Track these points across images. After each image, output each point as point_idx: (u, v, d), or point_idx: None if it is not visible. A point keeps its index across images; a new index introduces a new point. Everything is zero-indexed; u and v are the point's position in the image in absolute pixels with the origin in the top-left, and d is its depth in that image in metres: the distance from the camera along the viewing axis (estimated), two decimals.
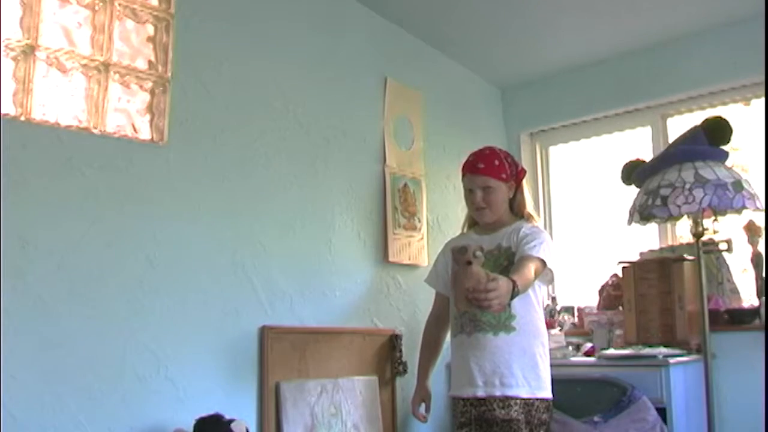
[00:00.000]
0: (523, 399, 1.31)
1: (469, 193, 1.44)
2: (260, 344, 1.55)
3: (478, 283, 1.10)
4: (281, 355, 1.58)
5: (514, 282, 1.16)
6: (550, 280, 1.41)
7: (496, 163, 1.41)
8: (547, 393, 1.36)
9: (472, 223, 1.51)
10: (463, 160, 1.49)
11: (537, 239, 1.33)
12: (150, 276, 1.38)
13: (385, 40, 2.07)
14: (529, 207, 1.47)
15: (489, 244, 1.41)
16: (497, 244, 1.40)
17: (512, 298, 1.16)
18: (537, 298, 1.39)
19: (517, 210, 1.46)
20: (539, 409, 1.33)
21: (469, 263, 1.12)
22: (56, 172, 1.26)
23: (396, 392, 1.85)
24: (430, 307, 1.62)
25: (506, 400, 1.30)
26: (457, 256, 1.15)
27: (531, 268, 1.27)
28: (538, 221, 1.46)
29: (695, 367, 1.80)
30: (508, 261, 1.36)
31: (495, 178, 1.40)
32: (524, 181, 1.48)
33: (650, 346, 1.83)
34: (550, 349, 1.91)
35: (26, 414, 1.18)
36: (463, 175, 1.45)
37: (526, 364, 1.33)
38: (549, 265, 1.32)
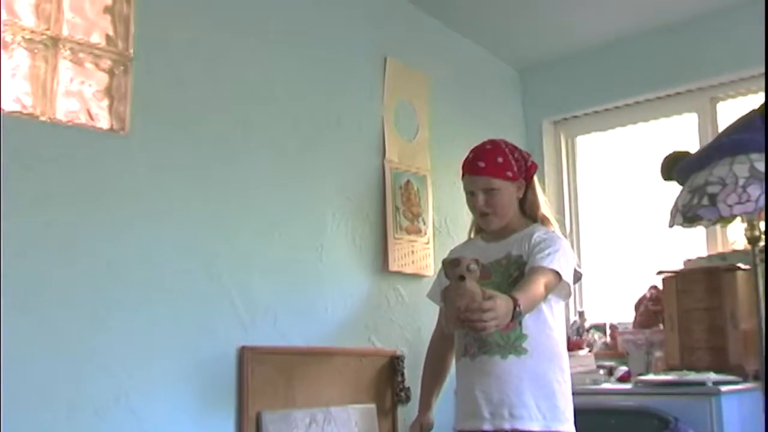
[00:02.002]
0: None
1: (470, 197, 1.41)
2: (239, 367, 1.54)
3: (472, 301, 1.07)
4: (264, 380, 1.56)
5: (515, 300, 1.13)
6: (567, 296, 1.39)
7: (500, 159, 1.38)
8: (567, 427, 1.32)
9: (480, 228, 1.49)
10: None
11: (551, 247, 1.30)
12: (111, 287, 1.36)
13: (385, 14, 2.05)
14: (544, 208, 1.44)
15: (497, 252, 1.39)
16: (506, 253, 1.38)
17: (513, 319, 1.14)
18: (553, 314, 1.36)
19: (529, 212, 1.43)
20: None
21: (462, 278, 1.10)
22: None
23: (397, 423, 1.85)
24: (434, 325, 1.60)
25: None
26: (449, 269, 1.13)
27: (540, 283, 1.24)
28: (555, 225, 1.44)
29: (752, 397, 1.76)
30: (518, 271, 1.33)
31: (499, 177, 1.37)
32: (535, 178, 1.45)
33: (697, 371, 1.80)
34: (578, 374, 1.89)
35: None
36: (462, 176, 1.43)
37: (541, 393, 1.30)
38: (564, 278, 1.30)
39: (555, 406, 1.31)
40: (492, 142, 1.43)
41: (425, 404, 1.51)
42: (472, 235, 1.52)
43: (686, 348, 1.90)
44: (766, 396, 1.69)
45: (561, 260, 1.29)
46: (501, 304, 1.10)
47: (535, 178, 1.45)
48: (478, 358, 1.33)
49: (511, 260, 1.36)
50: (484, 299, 1.08)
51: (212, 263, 1.52)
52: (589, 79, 2.36)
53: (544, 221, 1.42)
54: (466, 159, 1.43)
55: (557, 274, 1.28)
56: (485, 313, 1.07)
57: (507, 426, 1.28)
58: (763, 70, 2.05)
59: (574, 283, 1.38)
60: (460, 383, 1.40)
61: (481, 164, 1.38)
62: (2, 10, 1.19)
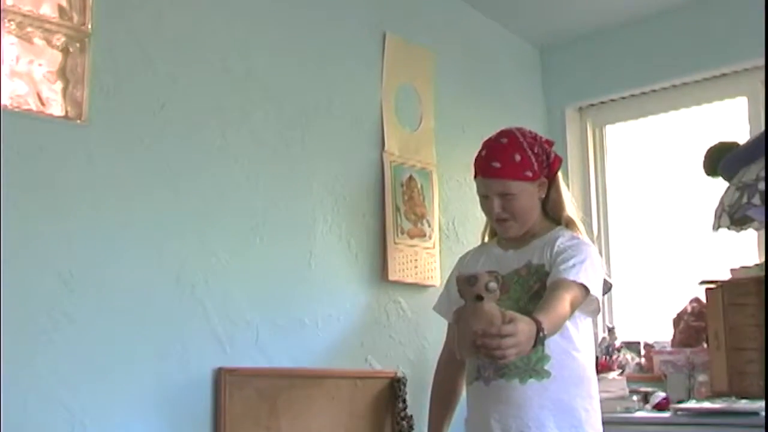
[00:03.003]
0: None
1: (484, 200, 1.41)
2: (215, 393, 1.54)
3: (490, 325, 1.07)
4: (244, 406, 1.56)
5: (539, 323, 1.13)
6: (595, 312, 1.39)
7: (517, 158, 1.36)
8: None
9: (495, 231, 1.49)
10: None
11: (577, 256, 1.30)
12: (63, 300, 1.35)
13: None
14: (569, 208, 1.44)
15: (516, 261, 1.39)
16: (527, 261, 1.37)
17: (536, 344, 1.14)
18: (579, 332, 1.36)
19: (552, 213, 1.43)
20: None
21: (480, 298, 1.10)
22: None
23: None
24: (442, 344, 1.60)
25: None
26: (464, 288, 1.13)
27: (566, 301, 1.23)
28: (582, 228, 1.44)
29: None
30: (539, 283, 1.34)
31: (517, 179, 1.36)
32: (559, 174, 1.44)
33: (748, 398, 1.79)
34: (607, 400, 1.87)
35: None
36: (475, 175, 1.42)
37: (565, 421, 1.30)
38: (592, 292, 1.30)
39: None
40: (508, 133, 1.41)
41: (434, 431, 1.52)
42: (486, 239, 1.52)
43: (735, 371, 1.89)
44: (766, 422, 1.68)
45: (588, 272, 1.29)
46: (523, 328, 1.09)
47: (559, 174, 1.44)
48: (493, 382, 1.33)
49: (532, 270, 1.35)
50: (504, 323, 1.08)
51: (183, 271, 1.52)
52: (619, 59, 2.34)
53: (570, 224, 1.42)
54: (478, 155, 1.41)
55: (584, 287, 1.27)
56: (505, 340, 1.06)
57: None
58: None
59: (603, 295, 1.38)
60: (472, 411, 1.39)
61: (496, 165, 1.36)
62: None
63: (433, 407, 1.54)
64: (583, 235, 1.41)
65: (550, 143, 1.44)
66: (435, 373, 1.56)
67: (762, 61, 2.14)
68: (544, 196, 1.41)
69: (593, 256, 1.33)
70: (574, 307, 1.27)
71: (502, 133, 1.41)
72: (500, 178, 1.35)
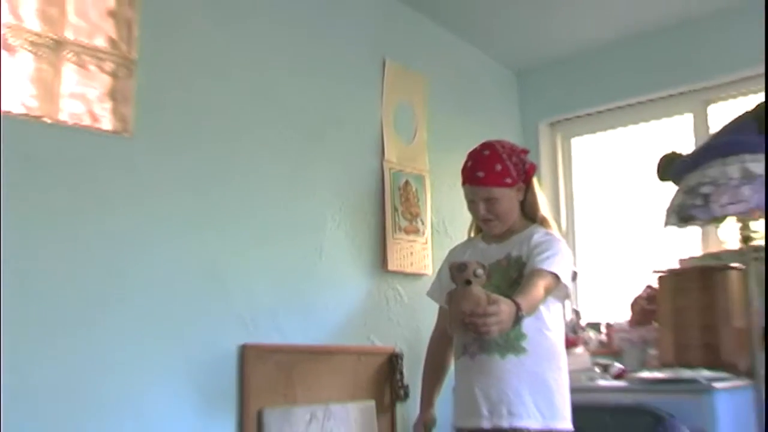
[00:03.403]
0: (535, 431, 1.28)
1: (471, 204, 1.42)
2: (240, 366, 1.54)
3: (477, 305, 1.10)
4: (264, 377, 1.57)
5: (518, 305, 1.15)
6: (565, 297, 1.40)
7: (498, 168, 1.37)
8: (565, 424, 1.33)
9: (480, 228, 1.49)
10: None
11: (550, 250, 1.32)
12: (113, 287, 1.36)
13: (384, 16, 2.06)
14: (543, 208, 1.45)
15: (498, 253, 1.40)
16: (507, 254, 1.39)
17: (516, 323, 1.16)
18: (551, 314, 1.37)
19: (529, 212, 1.44)
20: None
21: (469, 283, 1.12)
22: (2, 168, 1.24)
23: (396, 420, 1.83)
24: (434, 324, 1.59)
25: None
26: (456, 274, 1.15)
27: (540, 287, 1.26)
28: (554, 225, 1.45)
29: (745, 394, 1.77)
30: (518, 272, 1.34)
31: (499, 186, 1.37)
32: (534, 178, 1.45)
33: (691, 368, 1.80)
34: (574, 371, 1.86)
35: None
36: (463, 183, 1.43)
37: (539, 391, 1.31)
38: (563, 280, 1.31)
39: (552, 404, 1.32)
40: (489, 146, 1.41)
41: (427, 402, 1.52)
42: (472, 234, 1.53)
43: (680, 346, 1.90)
44: (759, 391, 1.71)
45: (560, 263, 1.30)
46: (505, 308, 1.11)
47: (534, 178, 1.45)
48: (477, 357, 1.33)
49: (511, 262, 1.36)
50: (489, 304, 1.10)
51: (214, 264, 1.53)
52: (584, 81, 2.37)
53: (544, 222, 1.43)
54: (465, 166, 1.42)
55: (556, 276, 1.29)
56: (489, 318, 1.09)
57: (505, 424, 1.29)
58: (756, 72, 2.07)
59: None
60: (459, 381, 1.40)
61: (480, 174, 1.37)
62: (2, 11, 1.19)
63: (425, 377, 1.55)
64: (554, 231, 1.42)
65: (526, 152, 1.45)
66: (427, 348, 1.57)
67: (703, 85, 2.17)
68: (522, 198, 1.42)
69: (564, 250, 1.35)
70: (547, 293, 1.28)
71: (485, 146, 1.42)
72: (485, 186, 1.37)
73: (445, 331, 1.51)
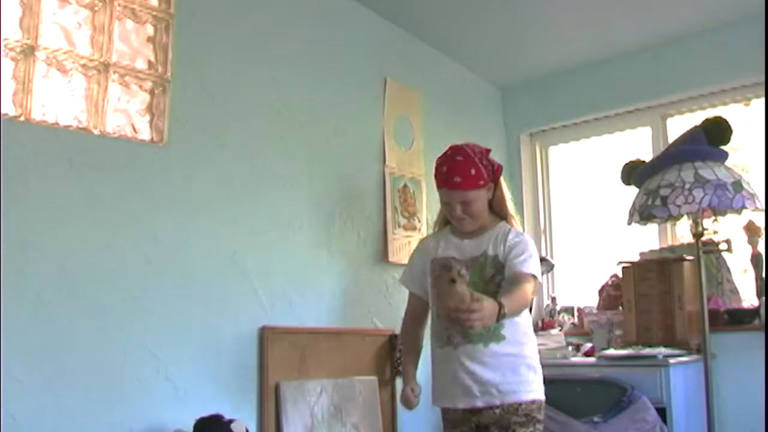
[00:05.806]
0: (521, 402, 1.31)
1: (446, 206, 1.37)
2: (260, 344, 1.56)
3: (462, 302, 1.10)
4: (281, 355, 1.59)
5: (501, 304, 1.14)
6: (536, 291, 1.38)
7: (473, 172, 1.32)
8: (539, 394, 1.34)
9: (447, 221, 1.42)
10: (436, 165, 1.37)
11: (525, 252, 1.30)
12: (150, 277, 1.39)
13: (385, 40, 2.07)
14: (510, 206, 1.40)
15: (474, 249, 1.36)
16: (483, 251, 1.34)
17: (499, 320, 1.15)
18: None
19: (497, 209, 1.39)
20: (534, 410, 1.32)
21: (453, 281, 1.12)
22: (55, 173, 1.28)
23: (395, 392, 1.84)
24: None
25: (507, 407, 1.30)
26: (441, 271, 1.14)
27: (526, 289, 1.24)
28: (518, 220, 1.41)
29: (695, 368, 1.81)
30: (494, 270, 1.32)
31: (475, 188, 1.32)
32: (502, 178, 1.40)
33: (650, 346, 1.84)
34: (549, 350, 1.92)
35: (26, 414, 1.19)
36: (438, 187, 1.36)
37: (515, 370, 1.31)
38: (539, 279, 1.32)
39: (532, 380, 1.33)
40: (461, 151, 1.34)
41: (410, 375, 1.47)
42: (440, 227, 1.45)
43: (641, 327, 1.94)
44: (706, 365, 1.74)
45: (535, 263, 1.30)
46: (487, 306, 1.11)
47: (502, 178, 1.39)
48: (461, 347, 1.31)
49: (488, 260, 1.33)
50: (472, 301, 1.09)
51: (237, 256, 1.55)
52: (560, 97, 2.39)
53: (510, 218, 1.39)
54: (439, 171, 1.35)
55: (535, 276, 1.30)
56: (472, 314, 1.09)
57: (497, 401, 1.29)
58: (707, 90, 2.12)
59: (547, 272, 1.40)
60: (441, 369, 1.35)
61: (457, 179, 1.31)
62: (2, 24, 1.16)
63: (405, 356, 1.47)
64: (518, 225, 1.38)
65: (489, 151, 1.38)
66: (402, 329, 1.49)
67: (661, 101, 2.19)
68: (491, 197, 1.38)
69: (533, 248, 1.32)
70: (534, 294, 1.28)
71: (456, 151, 1.34)
72: (461, 189, 1.31)
73: (416, 314, 1.46)
